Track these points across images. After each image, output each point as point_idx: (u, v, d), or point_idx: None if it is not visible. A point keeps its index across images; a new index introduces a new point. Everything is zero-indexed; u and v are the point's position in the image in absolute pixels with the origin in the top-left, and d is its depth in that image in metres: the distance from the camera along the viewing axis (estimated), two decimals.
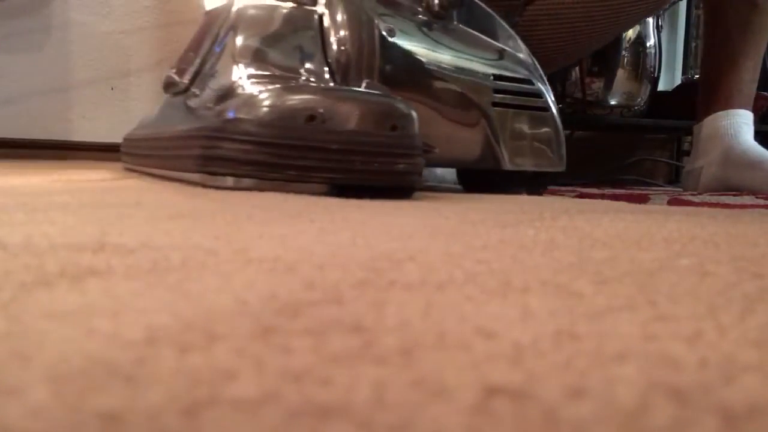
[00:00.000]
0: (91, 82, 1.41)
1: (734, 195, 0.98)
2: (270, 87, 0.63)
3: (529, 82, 0.84)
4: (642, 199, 0.89)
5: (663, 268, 0.26)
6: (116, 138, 1.43)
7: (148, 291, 0.20)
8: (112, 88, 1.43)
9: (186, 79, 0.79)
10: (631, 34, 1.51)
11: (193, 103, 0.76)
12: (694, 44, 1.89)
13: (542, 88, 0.85)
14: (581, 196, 0.87)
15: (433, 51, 0.78)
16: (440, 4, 0.79)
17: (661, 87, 1.67)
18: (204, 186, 0.61)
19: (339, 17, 0.75)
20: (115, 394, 0.12)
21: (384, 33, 0.75)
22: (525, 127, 0.83)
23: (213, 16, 0.83)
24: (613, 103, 1.53)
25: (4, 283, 0.20)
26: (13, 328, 0.15)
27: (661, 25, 1.60)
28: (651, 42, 1.55)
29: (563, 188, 1.11)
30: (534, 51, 0.88)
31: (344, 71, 0.74)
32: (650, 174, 1.83)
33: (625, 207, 0.66)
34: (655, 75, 1.58)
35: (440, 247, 0.29)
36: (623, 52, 1.52)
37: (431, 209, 0.50)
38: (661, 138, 1.89)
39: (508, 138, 0.81)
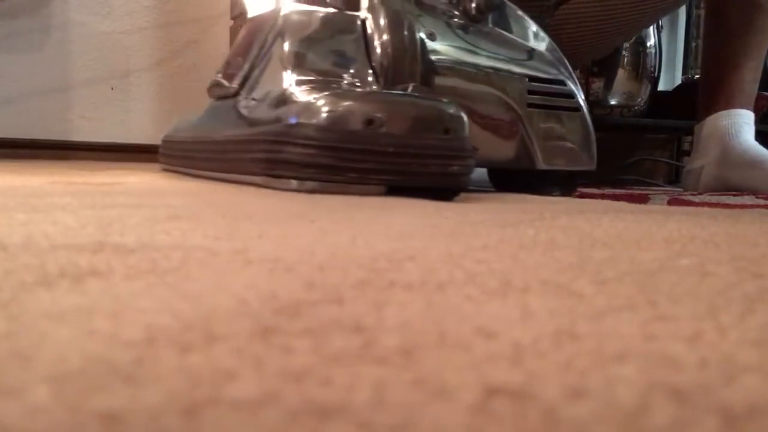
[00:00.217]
0: (91, 82, 1.41)
1: (734, 195, 0.98)
2: (328, 93, 0.65)
3: (562, 83, 0.85)
4: (642, 199, 0.89)
5: (663, 268, 0.26)
6: (116, 138, 1.43)
7: (148, 291, 0.20)
8: (112, 88, 1.43)
9: (235, 84, 0.82)
10: None
11: (244, 107, 0.79)
12: (694, 44, 1.89)
13: (574, 88, 0.87)
14: (581, 196, 0.87)
15: (470, 54, 0.80)
16: (476, 8, 0.81)
17: (661, 87, 1.67)
18: (267, 188, 0.64)
19: (381, 22, 0.77)
20: (115, 394, 0.12)
21: (424, 37, 0.78)
22: (558, 127, 0.84)
23: (258, 22, 0.85)
24: (613, 103, 1.53)
25: (4, 283, 0.20)
26: (13, 328, 0.15)
27: (661, 25, 1.60)
28: (651, 42, 1.55)
29: None
30: (561, 51, 0.89)
31: (387, 75, 0.76)
32: (650, 174, 1.83)
33: (625, 207, 0.66)
34: (655, 75, 1.58)
35: (440, 247, 0.29)
36: (623, 52, 1.52)
37: (431, 209, 0.50)
38: (661, 138, 1.89)
39: (541, 138, 0.83)
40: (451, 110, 0.63)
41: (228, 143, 0.76)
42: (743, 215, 0.55)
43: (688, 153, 1.69)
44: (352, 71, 0.76)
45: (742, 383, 0.13)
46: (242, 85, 0.81)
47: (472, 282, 0.22)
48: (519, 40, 0.86)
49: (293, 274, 0.23)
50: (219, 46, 1.46)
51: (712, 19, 1.21)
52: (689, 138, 1.72)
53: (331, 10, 0.79)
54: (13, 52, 1.36)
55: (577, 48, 1.08)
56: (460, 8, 0.82)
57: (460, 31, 0.81)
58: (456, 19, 0.82)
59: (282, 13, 0.80)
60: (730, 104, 1.14)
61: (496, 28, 0.85)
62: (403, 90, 0.69)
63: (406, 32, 0.77)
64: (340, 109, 0.61)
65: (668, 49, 1.86)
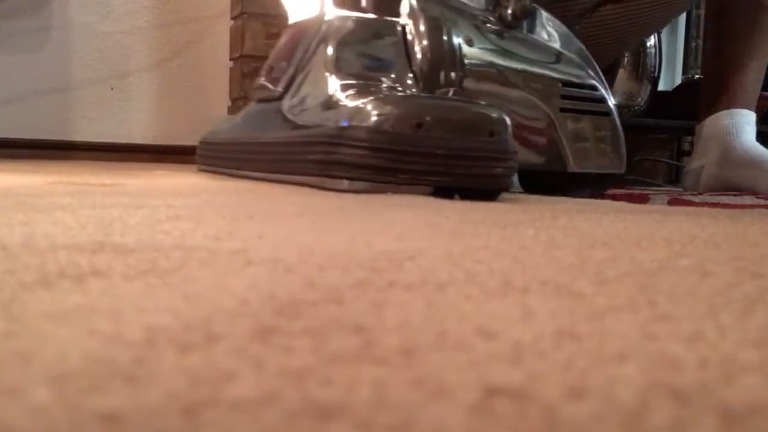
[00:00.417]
0: (91, 82, 1.41)
1: (734, 195, 0.98)
2: (377, 97, 0.68)
3: (594, 87, 0.87)
4: (642, 199, 0.89)
5: (663, 268, 0.26)
6: (116, 138, 1.43)
7: (148, 291, 0.20)
8: (112, 88, 1.43)
9: (280, 87, 0.85)
10: None
11: (290, 110, 0.82)
12: (694, 44, 1.89)
13: (604, 93, 0.89)
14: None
15: (505, 59, 0.83)
16: (512, 14, 0.83)
17: (661, 87, 1.67)
18: (320, 188, 0.66)
19: (421, 28, 0.80)
20: (115, 394, 0.12)
21: (462, 42, 0.80)
22: (588, 131, 0.86)
23: (301, 28, 0.89)
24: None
25: (4, 283, 0.20)
26: (13, 328, 0.15)
27: None
28: (651, 42, 1.55)
29: None
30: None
31: (427, 79, 0.79)
32: (650, 174, 1.83)
33: (625, 207, 0.66)
34: (655, 75, 1.58)
35: (440, 247, 0.29)
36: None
37: (432, 209, 0.50)
38: (661, 138, 1.89)
39: (573, 141, 0.85)
40: (495, 114, 0.65)
41: (276, 145, 0.79)
42: (743, 215, 0.55)
43: (688, 153, 1.69)
44: (393, 76, 0.79)
45: (742, 383, 0.13)
46: (287, 88, 0.85)
47: (472, 282, 0.22)
48: (552, 45, 0.88)
49: (293, 274, 0.23)
50: (219, 46, 1.46)
51: (715, 19, 1.21)
52: (689, 138, 1.71)
53: (371, 15, 0.82)
54: (13, 52, 1.36)
55: (601, 53, 1.09)
56: (496, 14, 0.84)
57: (495, 37, 0.83)
58: (491, 25, 0.84)
59: (326, 18, 0.83)
60: (731, 104, 1.14)
61: (529, 34, 0.87)
62: (444, 94, 0.73)
63: (445, 38, 0.80)
64: (391, 112, 0.64)
65: (668, 49, 1.86)
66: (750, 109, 1.14)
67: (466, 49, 0.80)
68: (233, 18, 1.44)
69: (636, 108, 1.56)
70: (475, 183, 0.63)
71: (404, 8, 0.82)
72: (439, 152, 0.61)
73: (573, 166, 0.85)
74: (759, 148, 1.12)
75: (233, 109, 1.44)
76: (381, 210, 0.48)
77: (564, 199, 0.73)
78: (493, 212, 0.49)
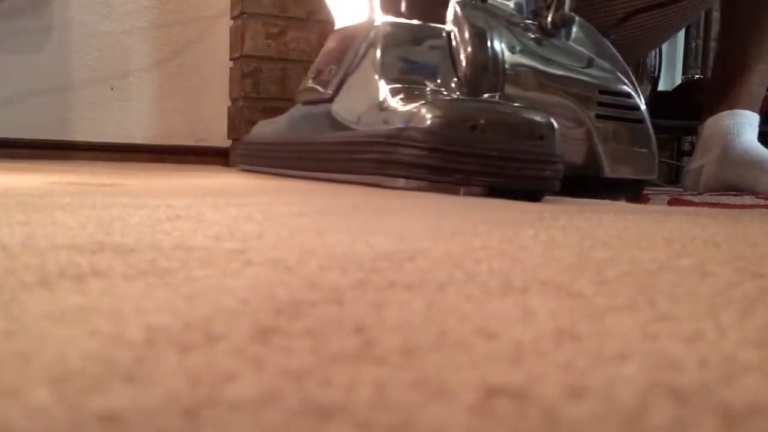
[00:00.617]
0: (91, 82, 1.41)
1: (734, 195, 0.98)
2: (433, 99, 0.72)
3: (629, 95, 0.89)
4: (642, 199, 0.89)
5: (663, 268, 0.26)
6: (116, 138, 1.43)
7: (148, 291, 0.20)
8: (112, 88, 1.43)
9: (330, 90, 0.89)
10: None
11: (341, 112, 0.86)
12: (694, 44, 1.89)
13: (638, 101, 0.90)
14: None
15: (545, 66, 0.85)
16: (552, 23, 0.85)
17: (661, 87, 1.67)
18: (379, 186, 0.69)
19: (466, 34, 0.83)
20: (115, 394, 0.12)
21: (505, 49, 0.83)
22: (623, 137, 0.89)
23: (349, 33, 0.93)
24: None
25: (4, 283, 0.20)
26: (13, 328, 0.15)
27: None
28: None
29: None
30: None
31: (471, 84, 0.82)
32: None
33: (625, 207, 0.66)
34: (655, 75, 1.58)
35: (440, 247, 0.29)
36: None
37: (432, 209, 0.50)
38: (661, 138, 1.89)
39: (608, 147, 0.87)
40: (544, 118, 0.68)
41: (329, 145, 0.83)
42: (743, 215, 0.55)
43: (688, 153, 1.69)
44: (438, 80, 0.82)
45: (742, 383, 0.13)
46: (337, 91, 0.89)
47: (472, 282, 0.22)
48: (588, 53, 0.90)
49: (293, 274, 0.23)
50: (219, 46, 1.46)
51: (725, 20, 1.21)
52: (689, 138, 1.71)
53: (418, 22, 0.86)
54: (13, 52, 1.36)
55: (630, 58, 1.10)
56: (536, 23, 0.87)
57: (535, 44, 0.86)
58: (531, 33, 0.86)
59: (375, 24, 0.87)
60: (735, 104, 1.14)
61: (568, 42, 0.89)
62: (489, 99, 0.76)
63: (488, 44, 0.82)
64: (447, 115, 0.67)
65: (668, 49, 1.86)
66: (753, 111, 1.14)
67: (507, 55, 0.83)
68: (233, 18, 1.44)
69: None
70: (526, 184, 0.65)
71: (449, 15, 0.86)
72: (492, 154, 0.64)
73: (608, 172, 0.87)
74: (760, 148, 1.12)
75: (233, 109, 1.44)
76: (386, 211, 0.48)
77: (603, 202, 0.73)
78: (493, 212, 0.49)
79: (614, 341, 0.16)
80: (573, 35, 0.89)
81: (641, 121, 0.89)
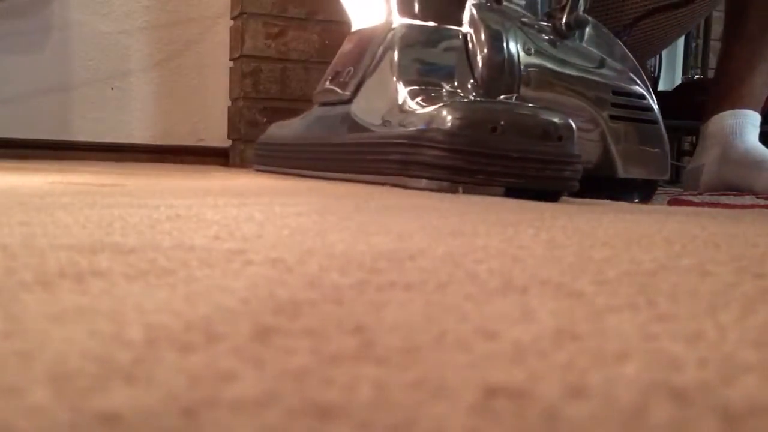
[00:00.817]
0: (91, 82, 1.41)
1: (734, 195, 0.98)
2: (453, 101, 0.73)
3: (642, 96, 0.90)
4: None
5: (663, 268, 0.26)
6: (116, 138, 1.43)
7: (148, 291, 0.20)
8: (112, 88, 1.43)
9: (348, 92, 0.91)
10: None
11: (360, 113, 0.88)
12: (694, 44, 1.88)
13: (652, 102, 0.91)
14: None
15: (560, 67, 0.86)
16: (566, 25, 0.86)
17: (661, 87, 1.67)
18: (402, 187, 0.70)
19: (482, 36, 0.84)
20: (115, 394, 0.12)
21: (521, 51, 0.84)
22: (637, 138, 0.89)
23: (367, 35, 0.95)
24: None
25: (4, 283, 0.20)
26: (13, 328, 0.15)
27: None
28: None
29: None
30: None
31: (488, 86, 0.83)
32: None
33: (625, 207, 0.66)
34: (655, 75, 1.58)
35: (440, 247, 0.29)
36: None
37: (432, 209, 0.50)
38: None
39: (622, 147, 0.88)
40: (563, 119, 0.69)
41: (349, 146, 0.85)
42: (743, 215, 0.55)
43: (688, 153, 1.69)
44: (455, 82, 0.84)
45: (742, 383, 0.13)
46: (355, 92, 0.90)
47: (472, 282, 0.22)
48: (602, 55, 0.91)
49: (293, 274, 0.23)
50: (219, 46, 1.46)
51: (731, 21, 1.21)
52: (689, 138, 1.71)
53: (435, 24, 0.88)
54: (13, 52, 1.36)
55: (641, 59, 1.11)
56: (551, 24, 0.87)
57: (549, 46, 0.87)
58: (545, 35, 0.87)
59: (393, 26, 0.89)
60: (737, 104, 1.14)
61: (582, 44, 0.90)
62: (506, 100, 0.77)
63: (505, 46, 0.83)
64: (469, 116, 0.68)
65: (668, 49, 1.86)
66: (756, 111, 1.15)
67: (523, 56, 0.84)
68: (233, 18, 1.44)
69: None
70: (546, 185, 0.67)
71: (465, 17, 0.87)
72: (513, 155, 0.65)
73: (621, 172, 0.88)
74: (760, 148, 1.12)
75: (233, 109, 1.44)
76: (386, 210, 0.48)
77: (604, 202, 0.73)
78: (493, 212, 0.49)
79: (614, 341, 0.16)
80: (586, 36, 0.90)
81: (654, 122, 0.90)
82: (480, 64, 0.83)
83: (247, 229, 0.33)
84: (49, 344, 0.14)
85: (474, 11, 0.85)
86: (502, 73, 0.83)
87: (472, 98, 0.81)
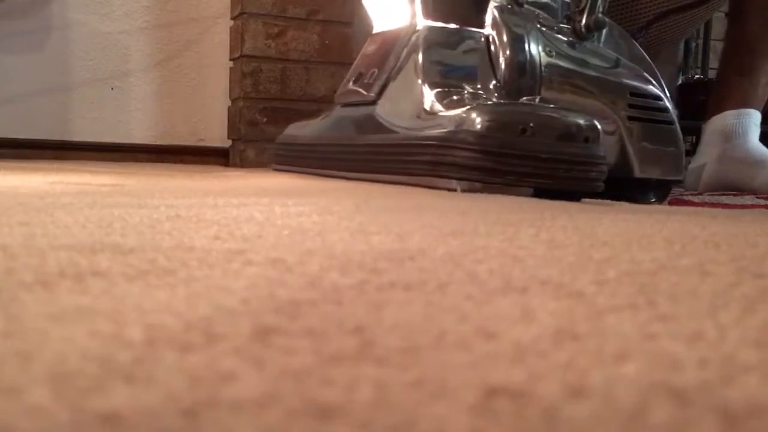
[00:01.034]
0: (91, 82, 1.41)
1: (734, 195, 0.98)
2: (482, 103, 0.75)
3: (659, 97, 0.90)
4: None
5: (663, 268, 0.26)
6: (116, 138, 1.43)
7: (148, 291, 0.20)
8: (112, 88, 1.43)
9: (373, 93, 0.92)
10: None
11: (386, 114, 0.89)
12: (694, 44, 1.88)
13: (668, 104, 0.91)
14: None
15: (581, 69, 0.87)
16: (586, 27, 0.87)
17: None
18: (431, 187, 0.71)
19: (504, 38, 0.86)
20: (115, 394, 0.12)
21: (542, 52, 0.85)
22: (654, 139, 0.90)
23: (390, 37, 0.96)
24: None
25: (4, 283, 0.20)
26: (13, 328, 0.15)
27: None
28: None
29: None
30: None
31: (510, 87, 0.84)
32: None
33: (625, 207, 0.66)
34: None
35: (440, 247, 0.29)
36: None
37: (432, 209, 0.50)
38: None
39: (639, 148, 0.89)
40: (589, 121, 0.70)
41: (376, 146, 0.86)
42: (743, 215, 0.55)
43: (688, 153, 1.68)
44: (478, 84, 0.85)
45: (742, 383, 0.13)
46: (380, 93, 0.91)
47: (472, 282, 0.22)
48: (620, 56, 0.92)
49: (293, 274, 0.23)
50: (219, 46, 1.46)
51: (733, 21, 1.22)
52: (689, 138, 1.71)
53: (458, 26, 0.89)
54: (13, 52, 1.36)
55: (653, 60, 1.12)
56: (570, 26, 0.89)
57: (569, 48, 0.88)
58: (565, 36, 0.88)
59: (417, 28, 0.90)
60: (740, 104, 1.14)
61: (600, 46, 0.91)
62: (529, 102, 0.78)
63: (526, 48, 0.85)
64: (498, 118, 0.70)
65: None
66: (758, 110, 1.15)
67: (544, 58, 0.85)
68: (233, 18, 1.44)
69: None
70: (573, 185, 0.68)
71: (487, 19, 0.88)
72: (542, 156, 0.66)
73: (638, 172, 0.88)
74: (761, 148, 1.12)
75: (233, 109, 1.44)
76: (386, 210, 0.48)
77: (605, 202, 0.74)
78: (493, 212, 0.49)
79: (614, 341, 0.16)
80: (603, 38, 0.91)
81: (671, 122, 0.91)
82: (502, 66, 0.85)
83: (247, 229, 0.33)
84: (48, 344, 0.14)
85: (496, 13, 0.87)
86: (523, 74, 0.84)
87: (496, 100, 0.82)
